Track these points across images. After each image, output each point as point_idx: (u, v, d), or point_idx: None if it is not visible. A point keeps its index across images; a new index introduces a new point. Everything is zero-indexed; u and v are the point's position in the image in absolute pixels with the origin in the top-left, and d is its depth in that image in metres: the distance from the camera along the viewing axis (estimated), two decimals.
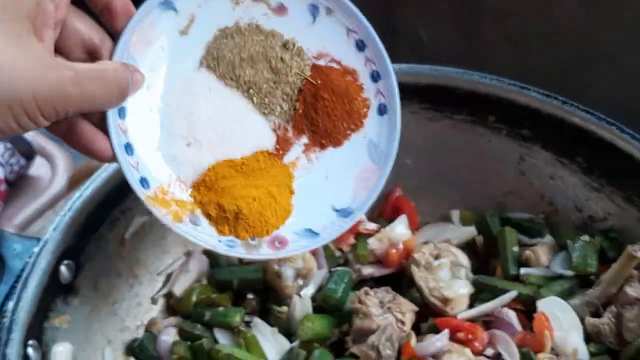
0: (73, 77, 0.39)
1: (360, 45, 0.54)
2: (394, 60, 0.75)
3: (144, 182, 0.52)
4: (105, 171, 0.70)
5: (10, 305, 0.61)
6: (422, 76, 0.74)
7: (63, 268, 0.64)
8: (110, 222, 0.69)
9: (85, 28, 0.45)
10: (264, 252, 0.58)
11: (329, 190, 0.57)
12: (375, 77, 0.53)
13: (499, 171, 0.78)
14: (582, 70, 0.84)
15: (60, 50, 0.45)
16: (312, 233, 0.59)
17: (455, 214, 0.81)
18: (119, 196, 0.69)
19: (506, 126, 0.74)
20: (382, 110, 0.54)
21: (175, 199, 0.56)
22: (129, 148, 0.51)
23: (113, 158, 0.50)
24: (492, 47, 0.90)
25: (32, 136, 0.99)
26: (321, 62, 0.57)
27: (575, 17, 0.83)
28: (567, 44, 0.82)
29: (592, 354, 0.67)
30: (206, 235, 0.55)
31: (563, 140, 0.73)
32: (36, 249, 0.63)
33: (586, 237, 0.72)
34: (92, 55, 0.46)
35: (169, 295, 0.76)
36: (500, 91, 0.72)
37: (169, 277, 0.76)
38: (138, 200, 0.71)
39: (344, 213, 0.57)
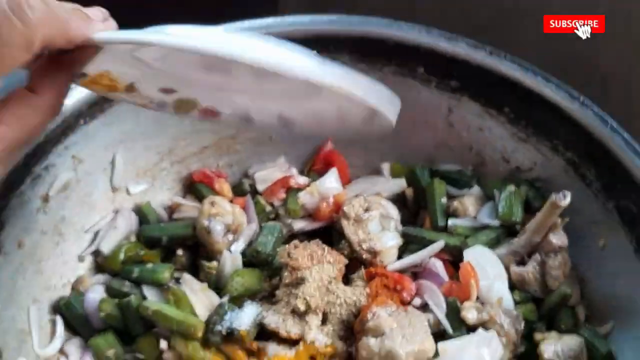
0: None
1: None
2: (324, 11, 0.74)
3: None
4: None
5: None
6: (353, 27, 0.73)
7: None
8: (33, 179, 0.66)
9: None
10: (193, 114, 0.58)
11: (285, 102, 0.54)
12: None
13: (428, 123, 0.77)
14: (512, 23, 0.83)
15: None
16: (248, 118, 0.58)
17: (385, 167, 0.80)
18: (41, 152, 0.66)
19: (435, 77, 0.73)
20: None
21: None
22: None
23: None
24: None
25: None
26: None
27: None
28: None
29: (516, 302, 0.67)
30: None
31: (491, 91, 0.72)
32: None
33: (512, 187, 0.72)
34: None
35: (96, 253, 0.74)
36: (429, 42, 0.71)
37: (96, 234, 0.74)
38: (62, 157, 0.69)
39: (285, 122, 0.57)
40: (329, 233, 0.75)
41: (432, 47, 0.71)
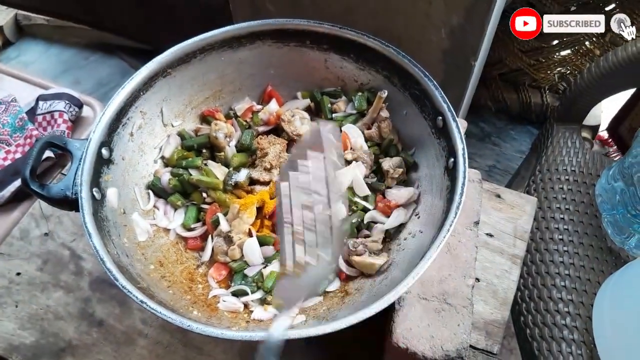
0: None
1: None
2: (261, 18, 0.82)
3: None
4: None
5: (79, 172, 0.71)
6: (270, 24, 0.87)
7: (103, 150, 0.75)
8: (123, 125, 0.79)
9: None
10: None
11: None
12: None
13: (316, 69, 0.91)
14: (350, 13, 1.06)
15: None
16: None
17: (299, 94, 0.95)
18: (124, 111, 0.78)
19: (315, 45, 0.88)
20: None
21: None
22: None
23: None
24: (303, 9, 1.05)
25: (79, 95, 1.13)
26: None
27: None
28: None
29: (369, 146, 0.87)
30: None
31: (343, 47, 0.86)
32: (87, 144, 0.73)
33: (360, 93, 0.90)
34: None
35: (162, 157, 0.88)
36: (309, 27, 0.85)
37: (160, 148, 0.88)
38: (135, 112, 0.79)
39: None
40: (276, 130, 0.92)
41: (311, 30, 0.86)
